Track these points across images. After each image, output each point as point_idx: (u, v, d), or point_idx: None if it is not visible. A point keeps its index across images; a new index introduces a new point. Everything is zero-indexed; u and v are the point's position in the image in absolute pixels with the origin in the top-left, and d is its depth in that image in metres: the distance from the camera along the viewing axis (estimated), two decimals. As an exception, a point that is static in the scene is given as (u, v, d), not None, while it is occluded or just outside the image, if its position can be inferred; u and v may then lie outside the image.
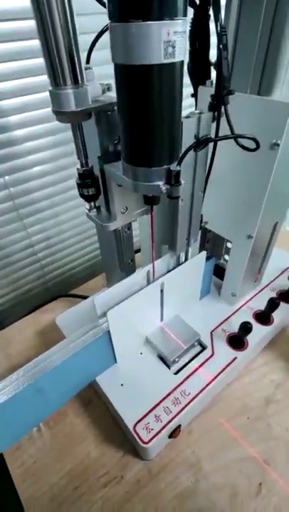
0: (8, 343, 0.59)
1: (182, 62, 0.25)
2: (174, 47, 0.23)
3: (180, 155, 0.30)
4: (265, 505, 0.39)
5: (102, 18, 0.34)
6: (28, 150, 0.56)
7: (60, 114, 0.29)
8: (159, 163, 0.29)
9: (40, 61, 0.50)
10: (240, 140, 0.31)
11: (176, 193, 0.30)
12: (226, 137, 0.31)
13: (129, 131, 0.28)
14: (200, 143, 0.31)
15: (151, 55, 0.22)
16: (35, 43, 0.48)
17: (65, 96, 0.28)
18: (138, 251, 0.54)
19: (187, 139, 0.31)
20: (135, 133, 0.28)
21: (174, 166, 0.29)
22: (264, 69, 0.31)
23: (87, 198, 0.37)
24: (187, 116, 0.30)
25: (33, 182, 0.59)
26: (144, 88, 0.24)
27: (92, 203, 0.39)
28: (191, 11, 0.33)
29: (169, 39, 0.22)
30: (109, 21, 0.23)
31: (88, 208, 0.39)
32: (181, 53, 0.24)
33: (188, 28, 0.35)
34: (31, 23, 0.48)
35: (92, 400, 0.50)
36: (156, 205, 0.35)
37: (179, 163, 0.29)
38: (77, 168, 0.35)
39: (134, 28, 0.21)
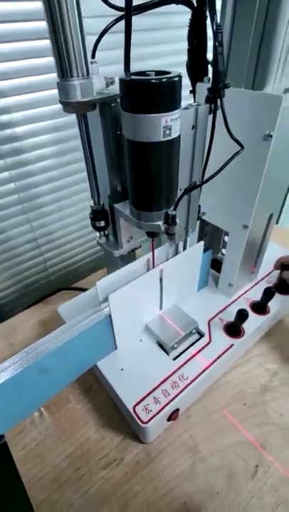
0: (11, 333, 0.61)
1: (178, 137, 0.31)
2: (170, 129, 0.29)
3: (176, 200, 0.35)
4: (261, 485, 0.40)
5: (101, 21, 0.36)
6: (33, 145, 0.58)
7: (66, 104, 0.32)
8: (159, 208, 0.35)
9: (43, 60, 0.53)
10: (234, 133, 0.33)
11: (173, 231, 0.36)
12: (211, 178, 0.35)
13: (135, 185, 0.35)
14: (189, 190, 0.36)
15: (153, 136, 0.29)
16: (39, 43, 0.51)
17: (72, 87, 0.30)
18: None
19: (185, 130, 0.33)
20: (140, 187, 0.34)
21: (170, 211, 0.35)
22: (257, 65, 0.34)
23: (98, 229, 0.44)
24: (185, 108, 0.32)
25: (38, 176, 0.61)
26: (146, 158, 0.31)
27: (102, 233, 0.46)
28: (189, 12, 0.35)
29: (167, 125, 0.29)
30: (122, 110, 0.30)
31: (99, 236, 0.46)
32: (176, 132, 0.30)
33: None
34: (35, 24, 0.50)
35: (93, 387, 0.51)
36: (156, 237, 0.41)
37: (175, 208, 0.35)
38: (91, 206, 0.42)
39: (141, 118, 0.28)
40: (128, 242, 0.46)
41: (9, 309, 0.70)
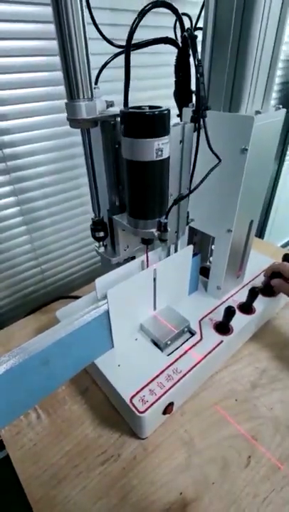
0: (9, 340, 0.62)
1: (168, 157, 0.38)
2: (162, 151, 0.36)
3: (167, 209, 0.41)
4: (254, 475, 0.42)
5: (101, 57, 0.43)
6: (35, 163, 0.64)
7: (73, 121, 0.37)
8: (153, 217, 0.41)
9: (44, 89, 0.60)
10: (216, 148, 0.39)
11: (165, 237, 0.41)
12: (196, 187, 0.41)
13: (132, 197, 0.41)
14: (178, 200, 0.42)
15: (148, 156, 0.36)
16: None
17: (78, 107, 0.36)
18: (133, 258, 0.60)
19: (174, 143, 0.39)
20: (137, 199, 0.40)
21: (163, 219, 0.40)
22: (232, 92, 0.40)
23: (98, 239, 0.49)
24: (174, 125, 0.38)
25: (37, 192, 0.66)
26: (143, 175, 0.38)
27: (101, 243, 0.51)
28: (175, 51, 0.43)
29: (159, 147, 0.36)
30: (122, 136, 0.36)
31: (98, 246, 0.52)
32: (166, 153, 0.37)
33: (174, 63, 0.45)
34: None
35: (89, 389, 0.52)
36: (150, 244, 0.47)
37: (166, 217, 0.41)
38: (92, 218, 0.48)
39: (138, 142, 0.35)
40: (125, 250, 0.51)
41: (6, 319, 0.71)
